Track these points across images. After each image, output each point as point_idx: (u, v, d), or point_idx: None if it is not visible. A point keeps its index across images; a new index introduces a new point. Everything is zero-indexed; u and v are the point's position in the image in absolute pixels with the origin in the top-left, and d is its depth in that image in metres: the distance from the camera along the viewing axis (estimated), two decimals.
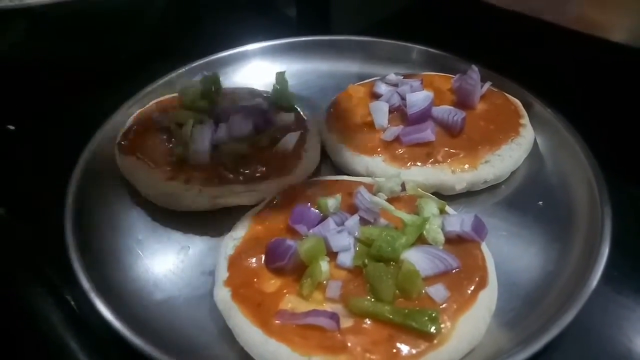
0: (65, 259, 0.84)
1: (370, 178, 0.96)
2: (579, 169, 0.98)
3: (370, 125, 1.06)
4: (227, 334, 0.76)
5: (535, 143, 1.06)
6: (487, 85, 1.12)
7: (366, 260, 0.76)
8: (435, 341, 0.69)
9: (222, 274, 0.80)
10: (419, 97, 1.03)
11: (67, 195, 0.95)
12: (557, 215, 0.94)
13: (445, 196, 0.97)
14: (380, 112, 1.05)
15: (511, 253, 0.89)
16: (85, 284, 0.80)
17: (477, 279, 0.76)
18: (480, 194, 1.00)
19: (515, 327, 0.77)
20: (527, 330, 0.75)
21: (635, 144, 1.09)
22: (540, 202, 0.97)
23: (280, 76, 1.13)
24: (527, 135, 1.04)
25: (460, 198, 0.99)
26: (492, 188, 1.00)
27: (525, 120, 1.07)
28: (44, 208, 1.01)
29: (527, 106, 1.11)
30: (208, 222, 0.96)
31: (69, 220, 0.90)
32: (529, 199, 0.98)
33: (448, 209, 0.89)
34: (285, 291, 0.76)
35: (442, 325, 0.70)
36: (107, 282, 0.84)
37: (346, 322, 0.71)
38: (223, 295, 0.77)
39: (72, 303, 0.85)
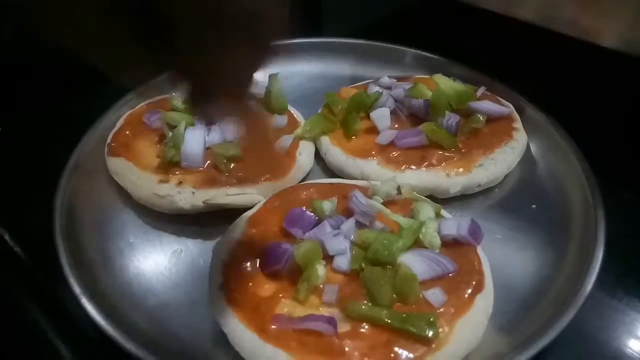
0: (55, 262, 0.82)
1: (364, 181, 0.95)
2: (572, 173, 0.98)
3: (364, 127, 1.06)
4: (223, 339, 0.74)
5: (527, 147, 1.07)
6: (482, 89, 1.12)
7: (363, 264, 0.75)
8: (433, 345, 0.68)
9: (217, 278, 0.79)
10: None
11: (56, 198, 0.92)
12: (551, 219, 0.94)
13: (439, 199, 0.97)
14: (383, 118, 1.04)
15: (506, 256, 0.89)
16: (76, 288, 0.77)
17: (473, 282, 0.76)
18: (474, 197, 1.00)
19: (511, 331, 0.77)
20: (523, 334, 0.74)
21: (627, 147, 1.10)
22: (534, 206, 0.98)
23: (273, 78, 1.12)
24: (520, 139, 1.04)
25: (454, 201, 0.99)
26: (485, 191, 1.00)
27: (518, 124, 1.07)
28: (32, 211, 0.99)
29: (520, 110, 1.11)
30: (201, 224, 0.95)
31: (58, 223, 0.88)
32: (523, 202, 0.99)
33: (443, 212, 0.88)
34: (280, 295, 0.75)
35: (440, 330, 0.69)
36: (98, 287, 0.82)
37: (343, 327, 0.70)
38: (218, 300, 0.76)
39: (63, 308, 0.84)
